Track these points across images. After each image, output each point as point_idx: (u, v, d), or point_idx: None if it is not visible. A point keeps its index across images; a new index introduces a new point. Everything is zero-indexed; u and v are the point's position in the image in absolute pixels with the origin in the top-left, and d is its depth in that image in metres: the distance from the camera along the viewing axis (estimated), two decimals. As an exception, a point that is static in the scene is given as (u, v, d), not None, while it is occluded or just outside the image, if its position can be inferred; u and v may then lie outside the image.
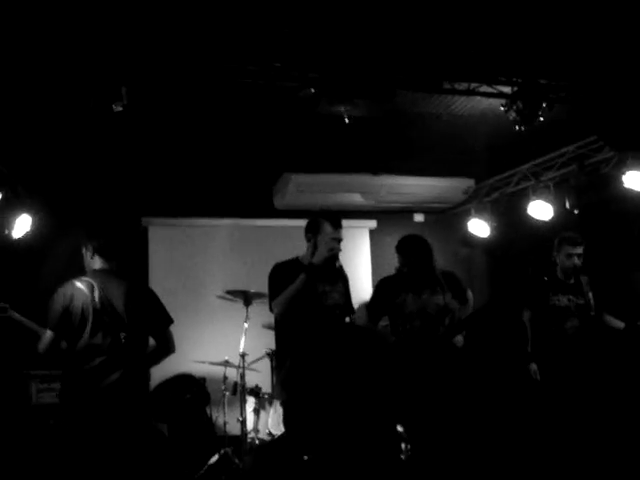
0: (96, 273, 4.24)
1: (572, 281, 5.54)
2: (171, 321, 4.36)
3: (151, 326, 4.30)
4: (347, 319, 4.59)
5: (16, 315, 4.66)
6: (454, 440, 4.65)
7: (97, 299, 4.09)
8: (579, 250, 5.51)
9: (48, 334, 4.03)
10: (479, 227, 8.07)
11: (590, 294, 5.33)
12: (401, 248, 5.15)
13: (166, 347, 4.34)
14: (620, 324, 5.39)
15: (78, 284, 4.12)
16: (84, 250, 4.33)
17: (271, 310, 4.52)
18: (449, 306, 4.93)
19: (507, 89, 5.20)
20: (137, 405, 4.22)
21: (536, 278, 5.68)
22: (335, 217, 4.63)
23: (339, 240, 4.62)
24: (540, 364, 5.41)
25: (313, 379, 1.70)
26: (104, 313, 4.09)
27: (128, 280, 4.35)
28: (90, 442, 3.96)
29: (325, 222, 4.60)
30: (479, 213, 8.10)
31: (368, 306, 5.18)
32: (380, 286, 5.16)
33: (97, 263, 4.26)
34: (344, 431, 1.65)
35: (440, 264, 5.16)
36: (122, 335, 4.10)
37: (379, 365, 1.76)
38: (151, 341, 4.36)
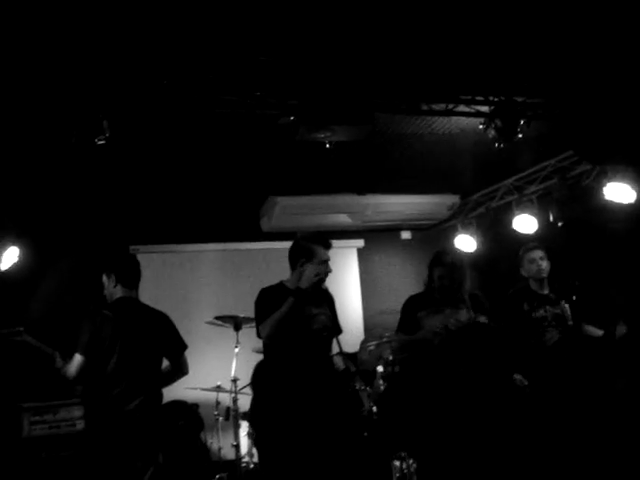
0: (119, 301, 4.45)
1: (546, 292, 5.57)
2: (186, 347, 4.64)
3: (168, 351, 4.55)
4: (334, 341, 4.60)
5: (30, 339, 4.72)
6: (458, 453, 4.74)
7: (122, 327, 4.30)
8: (539, 253, 5.51)
9: (78, 358, 4.23)
10: (465, 242, 8.13)
11: (567, 305, 5.35)
12: (431, 262, 5.31)
13: (180, 370, 4.62)
14: (599, 333, 5.42)
15: (105, 312, 4.34)
16: (106, 279, 4.53)
17: (258, 335, 4.54)
18: (471, 322, 5.04)
19: (485, 108, 5.26)
20: (155, 430, 4.41)
21: (512, 294, 5.73)
22: (324, 239, 4.62)
23: (328, 260, 4.61)
24: (523, 376, 5.44)
25: (276, 413, 1.74)
26: (128, 340, 4.30)
27: (148, 308, 4.62)
28: (113, 468, 4.15)
29: (316, 246, 4.58)
30: (465, 228, 8.18)
31: (397, 327, 5.39)
32: (406, 304, 5.37)
33: (119, 292, 4.47)
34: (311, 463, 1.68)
35: (469, 284, 5.27)
36: (143, 362, 4.34)
37: (346, 401, 1.80)
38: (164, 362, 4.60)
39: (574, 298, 5.32)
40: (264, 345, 4.67)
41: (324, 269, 4.53)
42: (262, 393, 1.50)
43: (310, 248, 4.54)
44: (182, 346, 4.62)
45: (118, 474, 4.15)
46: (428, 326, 5.11)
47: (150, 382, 4.38)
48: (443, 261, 5.24)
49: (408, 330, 5.26)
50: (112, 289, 4.49)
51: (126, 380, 4.25)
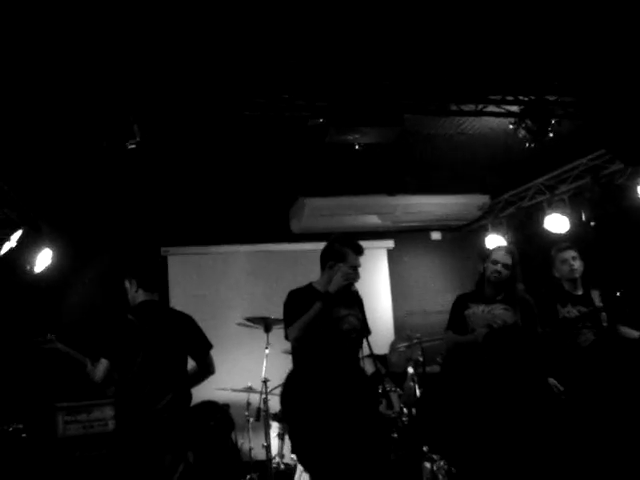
0: (142, 305, 4.50)
1: (580, 292, 5.49)
2: (211, 346, 4.66)
3: (193, 352, 4.59)
4: (364, 342, 4.60)
5: (61, 346, 4.81)
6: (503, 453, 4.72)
7: (145, 329, 4.35)
8: (572, 253, 5.42)
9: (104, 362, 4.30)
10: (496, 242, 8.06)
11: (601, 305, 5.27)
12: (483, 257, 5.30)
13: (207, 370, 4.65)
14: (636, 334, 5.32)
15: (130, 317, 4.39)
16: (128, 284, 4.60)
17: (286, 338, 4.56)
18: (518, 324, 4.99)
19: (515, 108, 5.22)
20: (184, 429, 4.44)
21: (544, 294, 5.67)
22: (357, 244, 4.61)
23: (358, 267, 4.61)
24: (557, 379, 5.38)
25: (307, 407, 1.74)
26: (152, 343, 4.34)
27: (171, 310, 4.76)
28: (145, 467, 4.21)
29: (348, 250, 4.58)
30: (495, 228, 8.13)
31: (447, 325, 5.31)
32: (455, 302, 5.30)
33: (141, 296, 4.53)
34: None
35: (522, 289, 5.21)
36: (167, 363, 4.39)
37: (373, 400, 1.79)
38: (191, 363, 4.64)
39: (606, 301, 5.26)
40: (292, 347, 4.69)
41: (353, 275, 4.52)
42: (294, 399, 1.52)
43: (342, 251, 4.54)
44: (207, 345, 4.65)
45: (149, 472, 4.20)
46: (475, 324, 5.04)
47: (177, 381, 4.43)
48: (506, 251, 5.15)
49: (457, 329, 5.21)
50: (134, 293, 4.55)
51: (153, 380, 4.31)
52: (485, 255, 5.29)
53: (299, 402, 1.76)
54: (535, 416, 5.00)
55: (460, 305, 5.20)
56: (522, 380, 4.95)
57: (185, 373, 4.57)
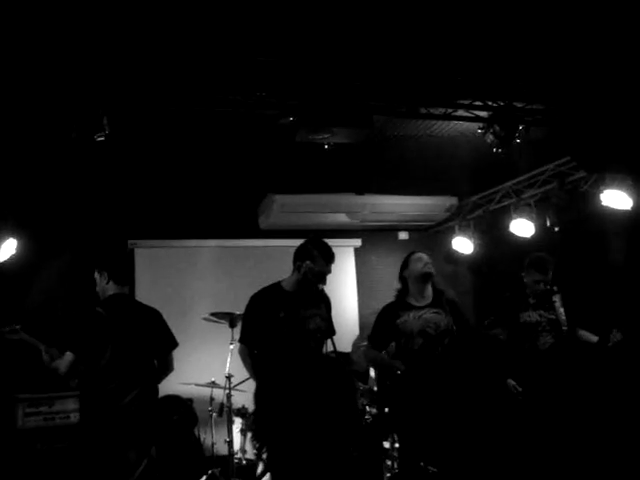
0: (111, 298, 4.47)
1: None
2: (176, 344, 4.67)
3: (157, 348, 4.57)
4: (329, 341, 4.64)
5: (26, 337, 4.77)
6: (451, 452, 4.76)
7: (114, 323, 4.32)
8: (548, 277, 5.50)
9: (69, 356, 4.26)
10: (463, 244, 8.15)
11: (562, 310, 5.36)
12: (403, 267, 5.27)
13: (167, 367, 4.65)
14: (594, 339, 5.42)
15: (98, 309, 4.36)
16: (98, 276, 4.56)
17: (240, 340, 4.67)
18: (449, 328, 5.03)
19: (484, 113, 5.28)
20: (150, 424, 4.47)
21: (507, 298, 5.75)
22: (327, 251, 4.66)
23: (327, 273, 4.66)
24: (516, 381, 5.46)
25: (279, 403, 1.75)
26: (121, 336, 4.33)
27: (140, 304, 4.70)
28: (110, 461, 4.19)
29: (319, 255, 4.63)
30: (462, 230, 8.20)
31: (370, 335, 5.30)
32: (382, 312, 5.30)
33: (111, 289, 4.50)
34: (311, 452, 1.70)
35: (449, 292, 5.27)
36: (135, 358, 4.37)
37: (345, 391, 1.80)
38: None
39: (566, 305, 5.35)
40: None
41: (319, 278, 4.59)
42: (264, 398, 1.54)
43: (313, 255, 4.60)
44: (172, 344, 4.64)
45: (112, 467, 4.19)
46: (407, 331, 5.06)
47: (144, 377, 4.42)
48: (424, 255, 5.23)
49: (381, 339, 5.22)
50: (104, 286, 4.51)
51: (120, 375, 4.29)
52: (405, 263, 5.31)
53: (274, 398, 1.77)
54: (492, 416, 5.09)
55: (390, 314, 5.18)
56: (471, 382, 5.03)
57: (152, 369, 4.55)
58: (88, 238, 7.12)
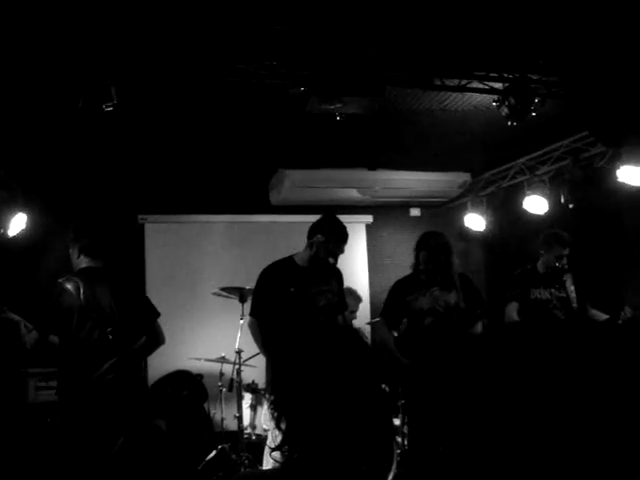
0: (82, 272, 4.39)
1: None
2: (158, 314, 4.54)
3: (139, 320, 4.45)
4: (339, 317, 4.62)
5: (12, 316, 4.73)
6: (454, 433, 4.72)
7: (82, 297, 4.23)
8: (568, 252, 5.49)
9: (34, 333, 4.26)
10: (475, 221, 8.09)
11: (572, 288, 5.32)
12: (417, 245, 5.20)
13: (156, 339, 4.52)
14: (604, 317, 5.39)
15: (66, 284, 4.27)
16: (71, 250, 4.49)
17: (251, 314, 4.65)
18: (459, 305, 4.99)
19: (498, 85, 5.18)
20: (132, 397, 4.35)
21: (518, 275, 5.72)
22: (342, 232, 4.69)
23: (339, 253, 4.67)
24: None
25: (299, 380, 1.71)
26: (90, 310, 4.24)
27: (114, 277, 4.51)
28: (89, 437, 4.10)
29: (332, 232, 4.66)
30: (475, 207, 8.13)
31: (382, 311, 5.26)
32: (393, 288, 5.30)
33: (83, 262, 4.42)
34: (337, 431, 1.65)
35: (458, 266, 5.22)
36: (109, 330, 4.25)
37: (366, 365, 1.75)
38: None
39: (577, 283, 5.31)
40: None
41: (331, 255, 4.58)
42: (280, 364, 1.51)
43: (327, 233, 4.60)
44: (154, 314, 4.53)
45: (87, 440, 4.10)
46: (417, 308, 5.03)
47: (120, 350, 4.30)
48: (427, 244, 5.13)
49: (394, 315, 5.21)
50: (76, 260, 4.45)
51: (91, 349, 4.21)
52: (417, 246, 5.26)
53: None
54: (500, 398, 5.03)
55: (401, 290, 5.19)
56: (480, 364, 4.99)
57: (133, 339, 4.44)
58: (98, 213, 7.08)
